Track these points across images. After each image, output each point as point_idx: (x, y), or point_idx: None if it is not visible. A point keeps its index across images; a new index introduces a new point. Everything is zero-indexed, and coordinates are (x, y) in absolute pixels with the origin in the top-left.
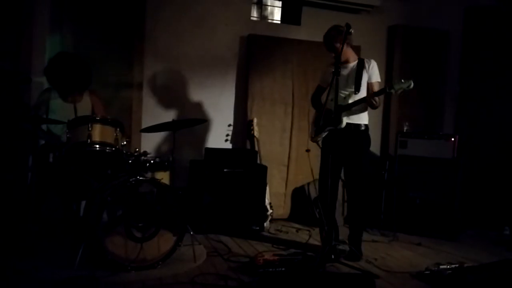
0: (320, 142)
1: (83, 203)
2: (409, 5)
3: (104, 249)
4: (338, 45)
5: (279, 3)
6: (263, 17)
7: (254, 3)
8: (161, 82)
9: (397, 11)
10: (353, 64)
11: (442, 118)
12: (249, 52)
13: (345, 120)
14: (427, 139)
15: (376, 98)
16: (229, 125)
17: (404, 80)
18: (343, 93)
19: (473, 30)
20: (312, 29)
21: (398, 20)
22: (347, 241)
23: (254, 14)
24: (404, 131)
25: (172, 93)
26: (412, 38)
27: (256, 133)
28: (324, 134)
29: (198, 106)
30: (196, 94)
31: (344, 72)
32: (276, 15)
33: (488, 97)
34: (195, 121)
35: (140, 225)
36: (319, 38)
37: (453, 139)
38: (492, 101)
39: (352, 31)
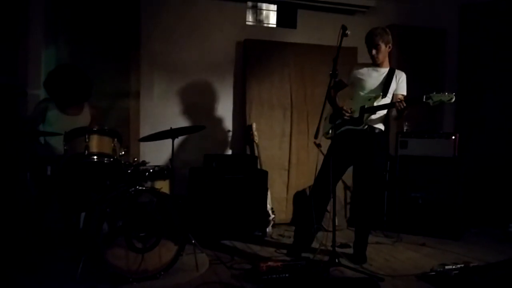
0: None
1: (83, 215)
2: (405, 4)
3: (105, 261)
4: (381, 44)
5: (274, 7)
6: (258, 21)
7: (249, 8)
8: (158, 90)
9: (393, 11)
10: (384, 70)
11: (442, 116)
12: (245, 57)
13: (367, 121)
14: (427, 138)
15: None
16: (228, 131)
17: (445, 92)
18: (367, 96)
19: (469, 27)
20: (308, 32)
21: (394, 20)
22: (351, 244)
23: (250, 19)
24: (404, 131)
25: (169, 100)
26: (408, 38)
27: (255, 138)
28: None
29: (196, 112)
30: (194, 100)
31: (374, 74)
32: (271, 19)
33: (487, 93)
34: (193, 128)
35: (140, 235)
36: (315, 40)
37: (453, 137)
38: (492, 98)
39: (349, 33)
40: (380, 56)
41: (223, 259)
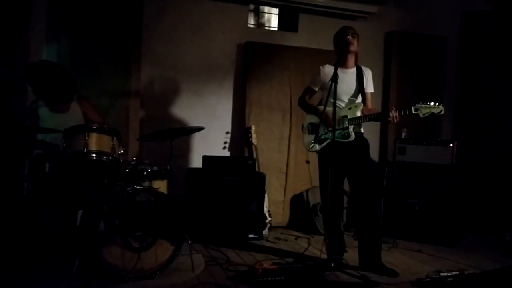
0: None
1: (80, 212)
2: (406, 11)
3: (101, 260)
4: (357, 37)
5: (276, 10)
6: (260, 24)
7: (251, 11)
8: (158, 90)
9: (394, 17)
10: (352, 70)
11: (440, 124)
12: (246, 60)
13: (353, 132)
14: (425, 145)
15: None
16: (227, 133)
17: (434, 103)
18: (347, 103)
19: (469, 35)
20: (309, 36)
21: (395, 27)
22: (347, 249)
23: (251, 21)
24: (403, 137)
25: (169, 101)
26: (409, 44)
27: (254, 141)
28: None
29: (196, 113)
30: (194, 101)
31: (343, 77)
32: (273, 22)
33: (486, 102)
34: (192, 129)
35: (137, 234)
36: (316, 44)
37: (451, 144)
38: (490, 106)
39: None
40: (355, 45)
41: (219, 261)
